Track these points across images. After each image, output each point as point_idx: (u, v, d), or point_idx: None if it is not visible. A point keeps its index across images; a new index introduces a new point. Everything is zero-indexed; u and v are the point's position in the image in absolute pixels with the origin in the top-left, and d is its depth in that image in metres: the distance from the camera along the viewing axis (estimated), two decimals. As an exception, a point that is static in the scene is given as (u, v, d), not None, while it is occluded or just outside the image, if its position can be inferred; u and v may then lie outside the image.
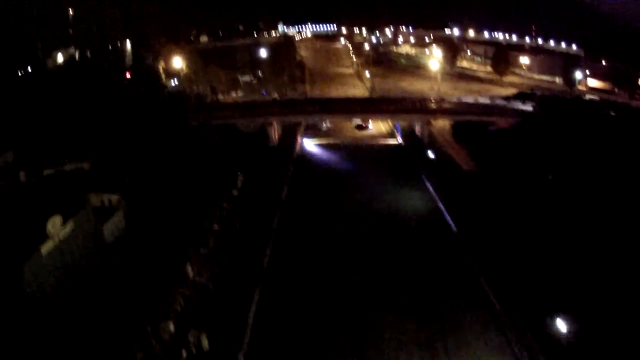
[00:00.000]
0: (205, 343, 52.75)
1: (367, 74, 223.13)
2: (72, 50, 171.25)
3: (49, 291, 59.09)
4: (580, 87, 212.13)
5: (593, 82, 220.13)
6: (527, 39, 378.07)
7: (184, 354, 51.36)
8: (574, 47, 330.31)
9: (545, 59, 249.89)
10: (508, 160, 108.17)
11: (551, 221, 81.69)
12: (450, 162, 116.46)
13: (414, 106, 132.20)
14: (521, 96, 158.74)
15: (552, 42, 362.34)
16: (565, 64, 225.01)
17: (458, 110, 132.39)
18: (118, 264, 65.46)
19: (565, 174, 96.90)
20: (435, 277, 70.25)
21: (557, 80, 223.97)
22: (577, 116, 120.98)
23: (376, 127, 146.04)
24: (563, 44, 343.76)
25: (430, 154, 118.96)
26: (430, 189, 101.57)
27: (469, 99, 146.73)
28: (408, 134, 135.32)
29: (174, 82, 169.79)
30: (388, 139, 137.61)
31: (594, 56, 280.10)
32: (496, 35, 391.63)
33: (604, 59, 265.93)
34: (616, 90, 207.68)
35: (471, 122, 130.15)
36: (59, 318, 53.69)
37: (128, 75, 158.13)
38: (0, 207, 69.96)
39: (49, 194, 74.43)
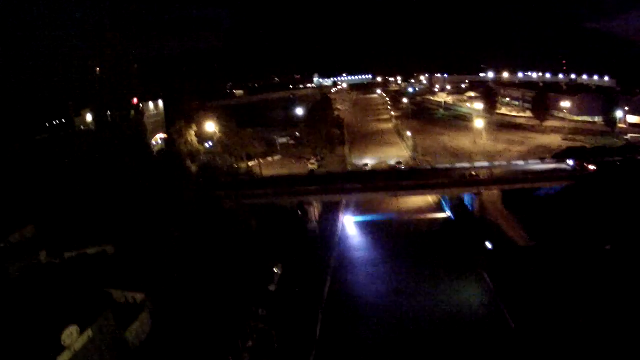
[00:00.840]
0: None
1: (407, 132, 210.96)
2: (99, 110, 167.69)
3: None
4: (621, 125, 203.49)
5: (632, 119, 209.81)
6: (561, 76, 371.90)
7: None
8: (606, 79, 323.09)
9: (584, 99, 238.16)
10: (561, 229, 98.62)
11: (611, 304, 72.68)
12: (504, 237, 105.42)
13: (463, 179, 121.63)
14: (570, 153, 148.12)
15: (584, 77, 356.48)
16: (604, 103, 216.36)
17: (508, 178, 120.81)
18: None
19: (624, 242, 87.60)
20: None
21: (597, 119, 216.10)
22: (632, 176, 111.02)
23: (423, 197, 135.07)
24: (596, 77, 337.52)
25: (482, 230, 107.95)
26: (487, 278, 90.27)
27: (519, 163, 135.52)
28: (457, 204, 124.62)
29: (208, 144, 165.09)
30: (436, 213, 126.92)
31: (628, 88, 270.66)
32: (530, 75, 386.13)
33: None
34: None
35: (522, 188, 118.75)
36: None
37: (162, 136, 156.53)
38: (18, 298, 67.04)
39: (69, 287, 69.87)
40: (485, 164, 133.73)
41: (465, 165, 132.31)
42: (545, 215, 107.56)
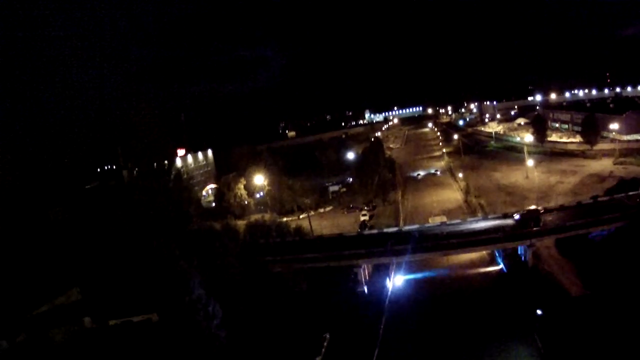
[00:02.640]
0: None
1: (459, 173, 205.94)
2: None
3: None
4: None
5: None
6: (606, 91, 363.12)
7: None
8: None
9: (631, 117, 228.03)
10: (616, 275, 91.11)
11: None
12: (557, 286, 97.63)
13: (514, 232, 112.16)
14: (622, 186, 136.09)
15: (629, 88, 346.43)
16: None
17: (560, 226, 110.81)
18: None
19: None
20: None
21: None
22: None
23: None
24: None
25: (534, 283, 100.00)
26: (537, 340, 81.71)
27: (571, 204, 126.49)
28: (510, 256, 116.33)
29: (259, 195, 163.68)
30: (488, 267, 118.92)
31: None
32: (577, 93, 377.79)
33: None
34: None
35: None
36: None
37: (213, 186, 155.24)
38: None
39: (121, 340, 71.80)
40: (537, 207, 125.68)
41: (516, 211, 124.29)
42: (599, 260, 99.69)
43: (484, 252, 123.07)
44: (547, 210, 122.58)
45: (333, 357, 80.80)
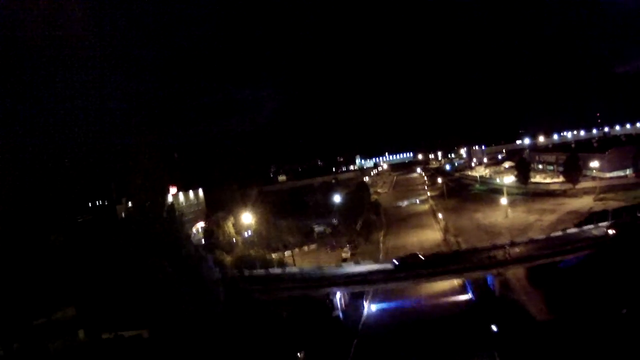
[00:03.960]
0: None
1: (439, 214, 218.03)
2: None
3: None
4: None
5: None
6: (594, 131, 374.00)
7: None
8: (638, 125, 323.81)
9: (613, 154, 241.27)
10: (580, 299, 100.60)
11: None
12: (524, 313, 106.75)
13: (482, 262, 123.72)
14: (594, 217, 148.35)
15: (617, 127, 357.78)
16: (635, 154, 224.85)
17: (526, 256, 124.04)
18: None
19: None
20: None
21: (628, 172, 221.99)
22: None
23: (448, 281, 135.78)
24: (628, 126, 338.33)
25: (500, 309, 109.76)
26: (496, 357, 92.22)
27: (541, 237, 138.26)
28: (479, 286, 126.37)
29: (247, 233, 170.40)
30: (459, 296, 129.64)
31: None
32: (565, 135, 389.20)
33: None
34: None
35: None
36: None
37: (202, 224, 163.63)
38: None
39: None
40: (507, 242, 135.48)
41: (487, 246, 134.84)
42: (565, 287, 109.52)
43: (455, 282, 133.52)
44: (515, 244, 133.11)
45: None
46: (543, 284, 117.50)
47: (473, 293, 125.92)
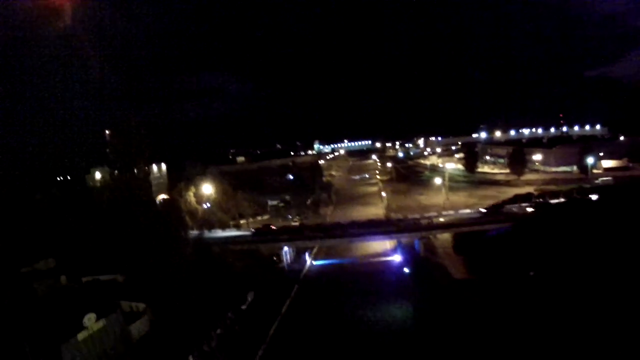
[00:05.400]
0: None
1: (383, 193, 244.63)
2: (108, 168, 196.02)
3: None
4: (596, 170, 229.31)
5: (608, 163, 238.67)
6: (552, 129, 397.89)
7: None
8: (597, 127, 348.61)
9: (560, 150, 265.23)
10: (496, 264, 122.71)
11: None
12: (444, 271, 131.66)
13: (408, 227, 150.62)
14: (517, 199, 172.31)
15: (576, 128, 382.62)
16: (579, 152, 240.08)
17: (452, 224, 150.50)
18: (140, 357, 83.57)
19: (546, 270, 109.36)
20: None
21: (574, 169, 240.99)
22: (562, 216, 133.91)
23: (382, 244, 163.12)
24: (587, 127, 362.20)
25: (423, 268, 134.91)
26: (417, 296, 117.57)
27: (466, 211, 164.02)
28: (407, 249, 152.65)
29: (206, 205, 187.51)
30: (389, 257, 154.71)
31: (616, 134, 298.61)
32: (522, 132, 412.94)
33: (624, 137, 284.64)
34: (631, 165, 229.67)
35: (471, 232, 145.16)
36: None
37: (164, 196, 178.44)
38: (44, 304, 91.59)
39: (87, 297, 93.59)
40: (434, 213, 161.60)
41: (417, 216, 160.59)
42: (486, 254, 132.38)
43: (388, 245, 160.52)
44: (441, 215, 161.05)
45: (254, 306, 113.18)
46: (466, 251, 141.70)
47: (402, 254, 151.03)
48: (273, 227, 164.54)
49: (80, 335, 79.53)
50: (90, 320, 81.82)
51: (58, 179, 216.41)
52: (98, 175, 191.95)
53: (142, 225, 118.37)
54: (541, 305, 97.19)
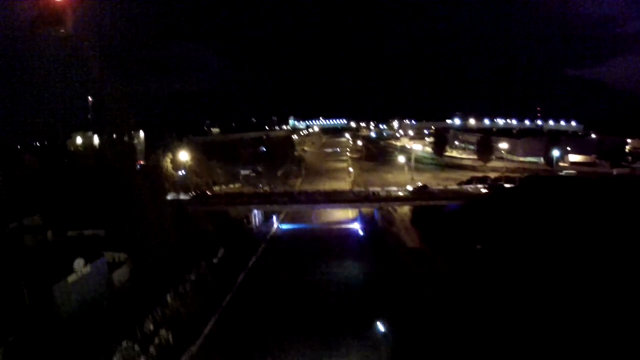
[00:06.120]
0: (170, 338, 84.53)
1: (350, 169, 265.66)
2: (89, 134, 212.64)
3: (70, 311, 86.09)
4: (563, 164, 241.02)
5: (575, 158, 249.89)
6: (527, 122, 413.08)
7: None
8: (573, 124, 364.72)
9: (528, 142, 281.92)
10: (450, 237, 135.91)
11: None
12: (398, 240, 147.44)
13: (368, 198, 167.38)
14: (473, 180, 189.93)
15: (551, 122, 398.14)
16: (546, 144, 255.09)
17: (410, 197, 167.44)
18: (122, 300, 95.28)
19: (492, 244, 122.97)
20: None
21: (541, 160, 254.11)
22: (511, 197, 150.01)
23: (344, 214, 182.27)
24: (562, 122, 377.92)
25: (380, 237, 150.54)
26: (369, 258, 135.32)
27: (425, 187, 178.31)
28: (367, 218, 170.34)
29: (182, 172, 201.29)
30: (350, 224, 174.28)
31: (585, 132, 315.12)
32: (497, 121, 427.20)
33: (594, 134, 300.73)
34: (597, 161, 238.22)
35: (429, 207, 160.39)
36: (79, 328, 79.74)
37: (141, 162, 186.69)
38: (34, 254, 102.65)
39: (73, 249, 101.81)
40: (394, 188, 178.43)
41: (377, 189, 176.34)
42: (439, 228, 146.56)
43: (350, 215, 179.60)
44: (400, 190, 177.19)
45: (224, 261, 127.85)
46: (422, 225, 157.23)
47: (361, 223, 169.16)
48: (209, 193, 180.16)
49: (70, 278, 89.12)
50: (79, 265, 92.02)
51: (35, 144, 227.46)
52: (79, 140, 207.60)
53: (125, 186, 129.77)
54: (480, 274, 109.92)
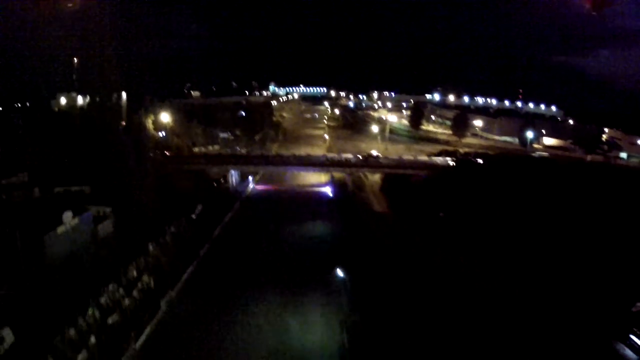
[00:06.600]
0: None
1: (326, 136, 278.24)
2: (73, 94, 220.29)
3: (59, 261, 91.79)
4: (537, 145, 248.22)
5: (550, 141, 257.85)
6: (507, 103, 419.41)
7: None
8: (553, 108, 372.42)
9: (503, 121, 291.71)
10: (417, 204, 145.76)
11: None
12: (366, 204, 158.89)
13: (340, 163, 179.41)
14: (443, 153, 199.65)
15: (531, 105, 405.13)
16: (521, 126, 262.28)
17: (376, 165, 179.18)
18: (107, 250, 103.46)
19: (453, 212, 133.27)
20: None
21: (516, 140, 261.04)
22: (476, 170, 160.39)
23: (316, 178, 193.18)
24: (542, 106, 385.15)
25: (349, 200, 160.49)
26: (337, 218, 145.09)
27: (395, 158, 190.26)
28: (338, 182, 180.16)
29: (162, 134, 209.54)
30: (322, 187, 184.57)
31: (564, 118, 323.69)
32: (476, 100, 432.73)
33: (572, 120, 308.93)
34: (572, 146, 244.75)
35: (398, 176, 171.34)
36: (68, 275, 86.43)
37: (123, 123, 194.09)
38: (23, 208, 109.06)
39: (60, 203, 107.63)
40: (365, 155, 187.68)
41: (350, 156, 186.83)
42: (406, 196, 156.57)
43: (323, 179, 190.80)
44: (371, 157, 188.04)
45: (202, 216, 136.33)
46: (391, 192, 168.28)
47: (332, 187, 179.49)
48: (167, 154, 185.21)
49: (59, 230, 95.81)
50: (67, 216, 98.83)
51: (16, 105, 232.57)
52: (63, 100, 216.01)
53: (110, 144, 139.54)
54: (436, 238, 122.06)
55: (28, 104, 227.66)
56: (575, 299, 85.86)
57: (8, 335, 66.93)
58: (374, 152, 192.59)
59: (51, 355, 62.99)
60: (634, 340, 72.98)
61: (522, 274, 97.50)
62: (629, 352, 72.44)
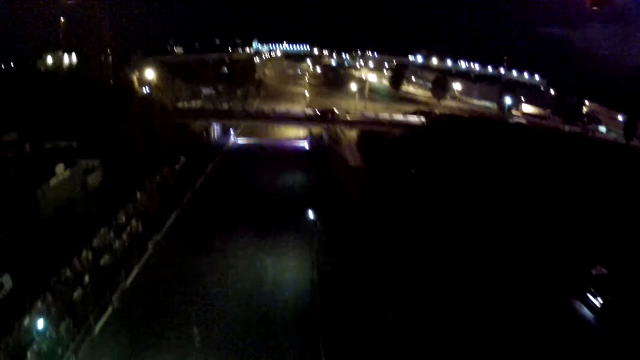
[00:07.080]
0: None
1: (306, 92, 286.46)
2: (59, 53, 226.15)
3: (54, 209, 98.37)
4: (516, 112, 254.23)
5: (529, 108, 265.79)
6: (490, 69, 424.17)
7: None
8: (536, 77, 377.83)
9: (484, 86, 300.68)
10: (390, 160, 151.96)
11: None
12: (341, 159, 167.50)
13: (318, 117, 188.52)
14: (417, 113, 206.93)
15: (514, 72, 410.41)
16: (500, 91, 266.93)
17: (352, 121, 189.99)
18: (96, 199, 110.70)
19: (425, 168, 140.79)
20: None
21: (495, 105, 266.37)
22: (446, 129, 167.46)
23: (295, 132, 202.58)
24: (526, 75, 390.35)
25: (324, 153, 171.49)
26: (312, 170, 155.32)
27: (371, 115, 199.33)
28: (315, 137, 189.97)
29: (146, 90, 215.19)
30: (300, 142, 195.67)
31: (546, 87, 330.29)
32: (459, 64, 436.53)
33: (554, 90, 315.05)
34: (551, 116, 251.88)
35: (373, 134, 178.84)
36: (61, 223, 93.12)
37: (111, 81, 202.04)
38: (16, 164, 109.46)
39: (51, 158, 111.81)
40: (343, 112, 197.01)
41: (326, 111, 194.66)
42: (380, 152, 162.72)
43: (301, 134, 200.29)
44: (348, 114, 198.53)
45: (186, 166, 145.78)
46: (366, 149, 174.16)
47: (309, 142, 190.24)
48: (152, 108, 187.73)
49: (52, 182, 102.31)
50: (59, 169, 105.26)
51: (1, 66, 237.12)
52: (50, 59, 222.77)
53: (98, 101, 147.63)
54: (404, 191, 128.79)
55: (12, 65, 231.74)
56: (539, 261, 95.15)
57: (7, 281, 74.11)
58: (335, 110, 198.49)
59: (49, 292, 71.18)
60: (590, 300, 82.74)
61: (486, 233, 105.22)
62: (585, 310, 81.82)
